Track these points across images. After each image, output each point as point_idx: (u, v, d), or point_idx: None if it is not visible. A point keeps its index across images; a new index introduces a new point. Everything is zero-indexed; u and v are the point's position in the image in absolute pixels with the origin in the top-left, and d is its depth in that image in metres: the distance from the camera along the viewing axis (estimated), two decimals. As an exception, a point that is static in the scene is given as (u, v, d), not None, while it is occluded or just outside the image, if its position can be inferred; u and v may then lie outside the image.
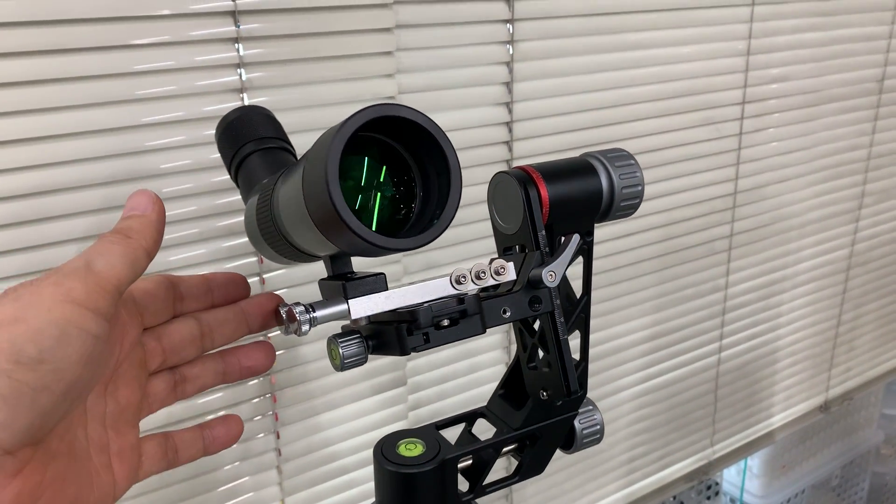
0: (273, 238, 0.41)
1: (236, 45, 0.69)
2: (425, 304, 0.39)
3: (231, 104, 0.70)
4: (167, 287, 0.39)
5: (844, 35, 1.19)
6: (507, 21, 0.84)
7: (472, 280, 0.40)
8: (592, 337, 1.08)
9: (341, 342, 0.39)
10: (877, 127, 1.30)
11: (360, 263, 0.41)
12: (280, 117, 0.73)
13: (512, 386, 0.50)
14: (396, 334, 0.38)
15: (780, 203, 1.22)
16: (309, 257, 0.42)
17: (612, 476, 1.19)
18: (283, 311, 0.38)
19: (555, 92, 0.91)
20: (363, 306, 0.38)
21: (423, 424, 0.49)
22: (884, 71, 1.27)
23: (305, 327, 0.37)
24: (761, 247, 1.23)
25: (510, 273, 0.40)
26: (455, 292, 0.40)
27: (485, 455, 0.48)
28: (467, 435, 0.51)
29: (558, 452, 0.51)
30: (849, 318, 1.45)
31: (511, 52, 0.86)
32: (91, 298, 0.31)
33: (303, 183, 0.34)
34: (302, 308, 0.37)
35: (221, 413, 0.40)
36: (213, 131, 0.52)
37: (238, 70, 0.70)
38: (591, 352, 1.08)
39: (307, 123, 0.75)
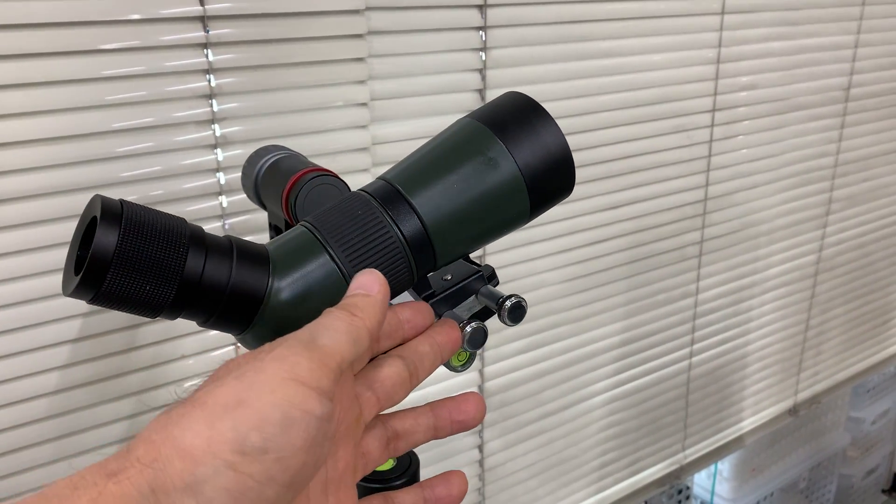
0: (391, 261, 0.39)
1: (205, 50, 0.68)
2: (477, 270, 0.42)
3: (200, 110, 0.69)
4: None
5: (811, 44, 1.21)
6: (479, 28, 0.85)
7: None
8: (563, 343, 1.10)
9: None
10: (843, 134, 1.33)
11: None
12: (251, 123, 0.73)
13: None
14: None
15: (750, 209, 1.23)
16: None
17: (585, 482, 1.19)
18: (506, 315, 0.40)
19: (527, 99, 0.91)
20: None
21: None
22: (850, 79, 1.29)
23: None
24: (731, 252, 1.24)
25: None
26: None
27: None
28: None
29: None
30: (817, 323, 1.48)
31: (484, 59, 0.86)
32: (315, 376, 0.29)
33: (517, 161, 0.38)
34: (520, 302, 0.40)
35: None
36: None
37: (207, 76, 0.69)
38: (562, 358, 1.10)
39: (278, 130, 0.74)
